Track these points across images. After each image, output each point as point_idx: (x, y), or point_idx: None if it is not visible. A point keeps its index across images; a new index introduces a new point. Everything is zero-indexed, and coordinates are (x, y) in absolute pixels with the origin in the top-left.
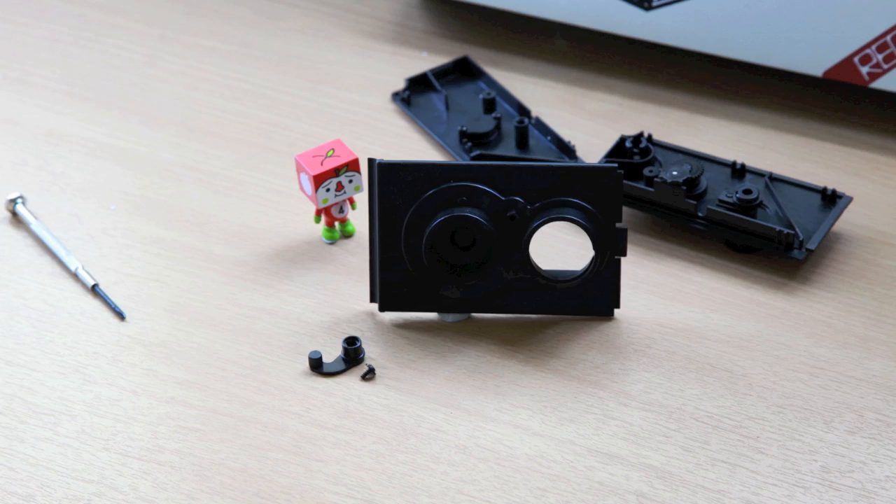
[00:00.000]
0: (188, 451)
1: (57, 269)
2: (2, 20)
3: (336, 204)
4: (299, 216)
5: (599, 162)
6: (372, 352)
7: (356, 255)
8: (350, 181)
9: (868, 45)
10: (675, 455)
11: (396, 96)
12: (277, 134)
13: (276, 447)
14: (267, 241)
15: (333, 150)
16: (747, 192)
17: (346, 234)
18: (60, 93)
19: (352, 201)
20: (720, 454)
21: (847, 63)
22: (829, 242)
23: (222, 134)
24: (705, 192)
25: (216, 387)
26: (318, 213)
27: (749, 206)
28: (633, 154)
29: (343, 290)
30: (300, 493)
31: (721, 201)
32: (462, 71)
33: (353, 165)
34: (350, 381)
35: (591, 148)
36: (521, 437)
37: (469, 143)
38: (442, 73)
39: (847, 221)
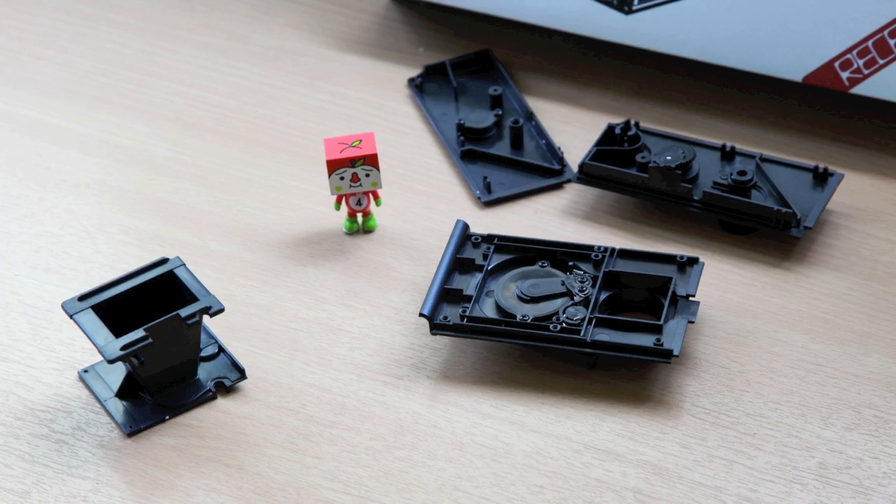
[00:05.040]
0: (184, 447)
1: (52, 264)
2: None
3: (353, 195)
4: (295, 212)
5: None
6: (367, 349)
7: (354, 253)
8: (367, 175)
9: (849, 51)
10: (672, 451)
11: (412, 82)
12: (273, 130)
13: (273, 444)
14: (263, 237)
15: (361, 141)
16: (742, 173)
17: (367, 229)
18: (56, 88)
19: (376, 196)
20: (717, 451)
21: (827, 68)
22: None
23: (218, 130)
24: (697, 175)
25: None
26: (339, 200)
27: (744, 188)
28: (622, 141)
29: (339, 287)
30: (296, 489)
31: (716, 183)
32: (482, 64)
33: (370, 160)
34: (347, 378)
35: (588, 144)
36: (517, 434)
37: (462, 138)
38: (462, 64)
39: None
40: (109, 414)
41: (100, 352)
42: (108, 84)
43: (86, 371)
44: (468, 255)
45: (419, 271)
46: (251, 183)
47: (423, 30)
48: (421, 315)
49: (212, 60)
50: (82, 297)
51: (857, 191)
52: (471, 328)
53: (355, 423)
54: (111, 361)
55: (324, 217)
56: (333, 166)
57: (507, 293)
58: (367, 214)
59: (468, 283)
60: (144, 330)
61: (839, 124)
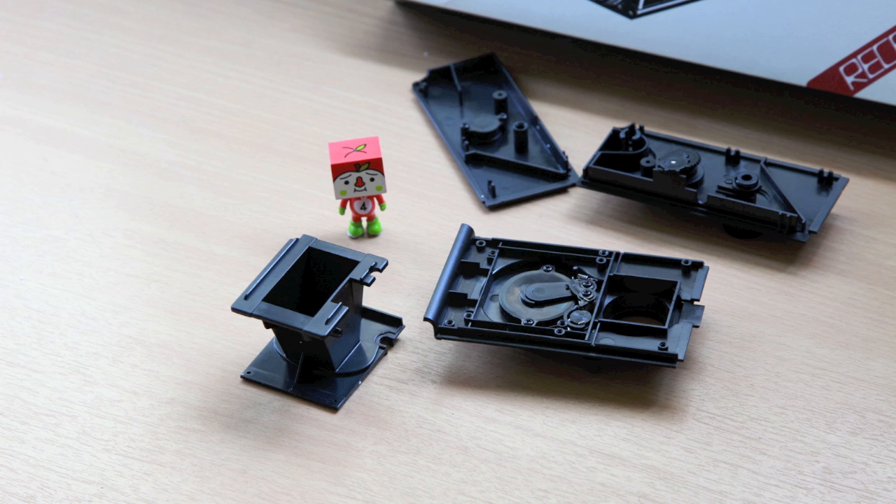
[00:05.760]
0: (189, 451)
1: (57, 268)
2: (2, 20)
3: (357, 199)
4: (300, 217)
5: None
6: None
7: None
8: (371, 179)
9: (854, 55)
10: (676, 456)
11: (416, 86)
12: (278, 134)
13: (277, 448)
14: (267, 241)
15: (365, 145)
16: (746, 177)
17: (371, 233)
18: (61, 93)
19: (381, 200)
20: (722, 455)
21: (832, 73)
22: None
23: (223, 134)
24: (702, 180)
25: (217, 387)
26: (343, 204)
27: (749, 192)
28: (627, 145)
29: None
30: (301, 493)
31: (720, 188)
32: (487, 68)
33: (375, 164)
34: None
35: (593, 149)
36: (522, 438)
37: (467, 142)
38: (467, 68)
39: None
40: (305, 398)
41: (310, 333)
42: (112, 88)
43: (248, 372)
44: (473, 259)
45: (423, 275)
46: (255, 187)
47: (427, 34)
48: (425, 319)
49: (216, 65)
50: (248, 296)
51: (861, 195)
52: (475, 332)
53: (360, 428)
54: (325, 337)
55: (328, 221)
56: (338, 170)
57: (512, 297)
58: (371, 219)
59: (473, 288)
60: (332, 301)
61: (844, 128)
